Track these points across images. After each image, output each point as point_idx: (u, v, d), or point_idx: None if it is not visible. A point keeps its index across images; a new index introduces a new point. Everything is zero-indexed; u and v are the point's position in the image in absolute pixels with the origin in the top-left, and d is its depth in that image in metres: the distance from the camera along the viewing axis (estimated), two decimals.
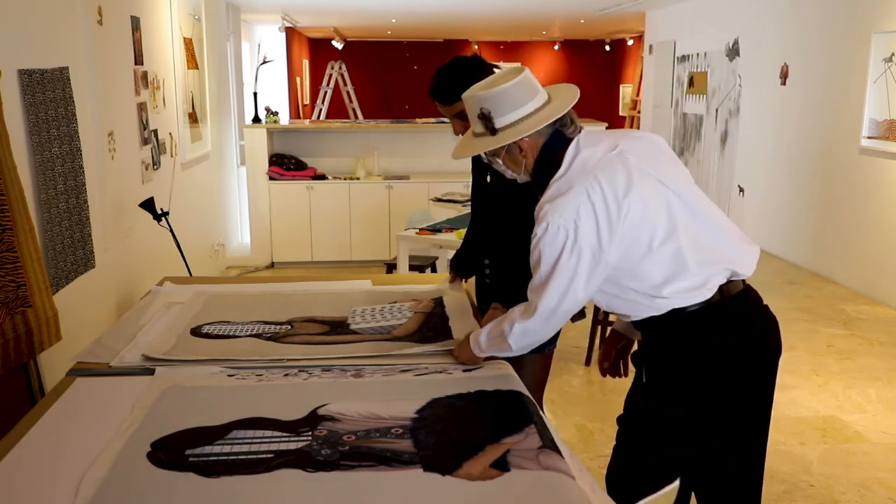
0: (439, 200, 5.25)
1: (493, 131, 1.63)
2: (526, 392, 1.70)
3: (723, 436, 1.67)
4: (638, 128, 11.00)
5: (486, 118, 1.63)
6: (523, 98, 1.62)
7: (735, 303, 1.62)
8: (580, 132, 1.66)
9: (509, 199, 2.19)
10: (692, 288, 1.59)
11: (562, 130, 1.64)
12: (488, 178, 2.28)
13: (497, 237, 2.27)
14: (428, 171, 6.33)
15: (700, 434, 1.66)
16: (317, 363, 1.90)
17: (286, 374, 1.81)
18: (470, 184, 2.46)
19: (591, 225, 1.53)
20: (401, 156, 6.50)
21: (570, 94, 1.67)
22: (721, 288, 1.60)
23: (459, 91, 1.84)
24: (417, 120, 6.77)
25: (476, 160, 2.32)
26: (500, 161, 1.70)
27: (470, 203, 2.45)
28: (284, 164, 6.11)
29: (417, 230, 4.39)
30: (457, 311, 2.25)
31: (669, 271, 1.58)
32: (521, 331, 1.67)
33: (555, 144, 1.64)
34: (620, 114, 14.15)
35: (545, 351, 2.27)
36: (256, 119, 6.21)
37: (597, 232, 1.54)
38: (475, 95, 1.64)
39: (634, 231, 1.56)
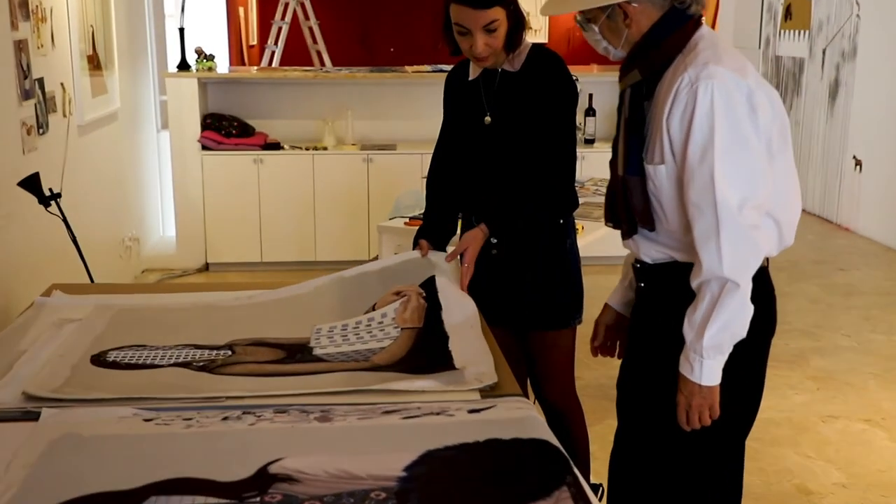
0: None
1: None
2: (555, 441, 1.71)
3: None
4: None
5: None
6: None
7: (765, 274, 2.00)
8: (701, 17, 1.96)
9: (519, 144, 2.58)
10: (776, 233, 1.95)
11: (680, 8, 1.94)
12: (487, 119, 2.62)
13: (502, 194, 2.58)
14: (421, 138, 6.33)
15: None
16: (268, 402, 1.90)
17: (225, 418, 1.81)
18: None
19: (761, 92, 1.84)
20: (384, 117, 6.49)
21: None
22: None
23: None
24: (407, 68, 6.77)
25: (463, 93, 2.68)
26: (595, 29, 1.99)
27: (438, 149, 2.83)
28: (223, 129, 6.12)
29: (407, 219, 4.39)
30: (459, 327, 2.26)
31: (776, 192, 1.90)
32: (727, 246, 1.82)
33: (676, 21, 1.93)
34: None
35: (573, 324, 2.72)
36: (184, 65, 6.22)
37: (769, 101, 1.85)
38: None
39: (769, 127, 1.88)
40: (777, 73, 8.56)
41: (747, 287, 1.85)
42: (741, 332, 1.89)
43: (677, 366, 1.96)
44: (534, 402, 2.68)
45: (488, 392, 1.95)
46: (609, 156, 2.12)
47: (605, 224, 2.13)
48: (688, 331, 1.90)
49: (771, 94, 1.89)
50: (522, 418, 1.80)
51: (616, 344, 2.31)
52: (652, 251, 2.03)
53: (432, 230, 2.74)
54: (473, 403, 1.89)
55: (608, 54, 2.04)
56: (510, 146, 2.60)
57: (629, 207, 1.99)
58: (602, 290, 2.41)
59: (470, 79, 2.68)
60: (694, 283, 1.89)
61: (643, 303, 2.13)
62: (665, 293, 2.04)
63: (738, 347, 1.93)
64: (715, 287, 1.84)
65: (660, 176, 1.93)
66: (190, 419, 1.81)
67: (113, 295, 2.71)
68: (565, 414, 2.76)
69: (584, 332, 2.77)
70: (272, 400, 1.91)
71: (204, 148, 6.08)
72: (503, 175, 2.62)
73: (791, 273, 6.03)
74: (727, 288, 1.83)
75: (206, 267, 6.24)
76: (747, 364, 2.02)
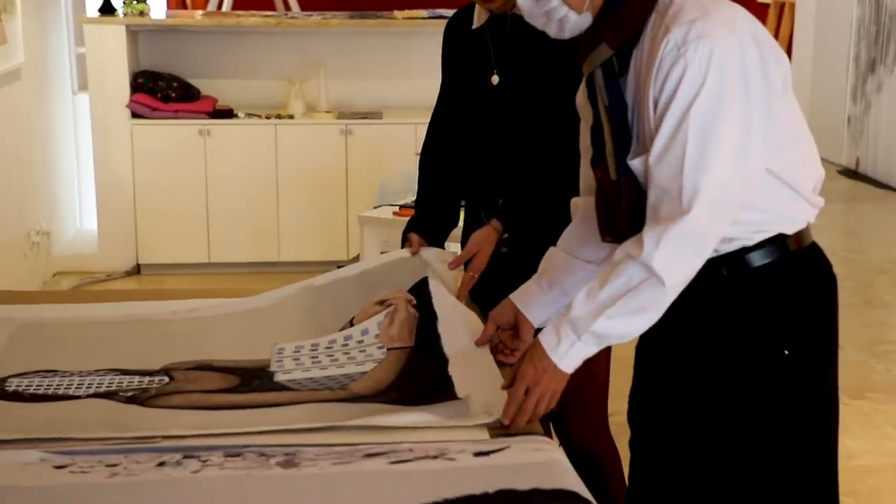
0: None
1: None
2: (585, 492, 1.71)
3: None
4: (791, 23, 11.03)
5: None
6: None
7: (809, 259, 2.10)
8: None
9: (534, 109, 2.58)
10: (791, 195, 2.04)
11: None
12: (495, 79, 2.61)
13: (516, 173, 2.60)
14: (414, 103, 6.32)
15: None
16: (216, 442, 1.90)
17: (161, 464, 1.81)
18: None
19: (754, 49, 1.94)
20: (367, 77, 6.49)
21: None
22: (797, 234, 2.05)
23: None
24: (396, 13, 6.75)
25: (466, 46, 2.72)
26: None
27: (435, 118, 2.86)
28: (159, 91, 6.12)
29: (397, 208, 4.40)
30: (461, 345, 2.27)
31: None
32: (674, 239, 1.89)
33: None
34: None
35: None
36: (107, 8, 6.21)
37: (760, 60, 1.94)
38: None
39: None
40: (877, 17, 8.53)
41: (671, 291, 1.94)
42: (633, 333, 2.00)
43: (720, 388, 2.06)
44: (558, 444, 2.69)
45: (499, 429, 1.96)
46: None
47: (603, 240, 2.15)
48: (581, 303, 1.96)
49: (773, 46, 1.98)
50: (544, 463, 1.81)
51: (508, 350, 2.33)
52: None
53: (427, 222, 2.74)
54: (481, 444, 1.89)
55: (562, 29, 2.04)
56: (523, 112, 2.60)
57: (635, 215, 2.03)
58: None
59: (474, 27, 2.67)
60: (617, 254, 1.97)
61: (673, 316, 2.14)
62: (703, 298, 2.08)
63: (799, 349, 2.06)
64: (637, 273, 1.92)
65: None
66: (115, 465, 1.80)
67: (15, 305, 2.71)
68: (596, 457, 2.76)
69: (619, 353, 2.78)
70: (222, 440, 1.91)
71: (134, 115, 6.07)
72: (514, 150, 2.62)
73: (894, 277, 6.05)
74: (649, 282, 1.91)
75: (136, 269, 6.24)
76: (817, 369, 2.11)
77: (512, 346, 2.30)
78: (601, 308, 1.94)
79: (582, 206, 2.27)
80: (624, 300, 1.92)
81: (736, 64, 1.89)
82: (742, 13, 1.97)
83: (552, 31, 2.04)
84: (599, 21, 2.00)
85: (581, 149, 2.25)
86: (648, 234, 1.92)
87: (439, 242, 2.74)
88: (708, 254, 1.96)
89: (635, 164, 1.99)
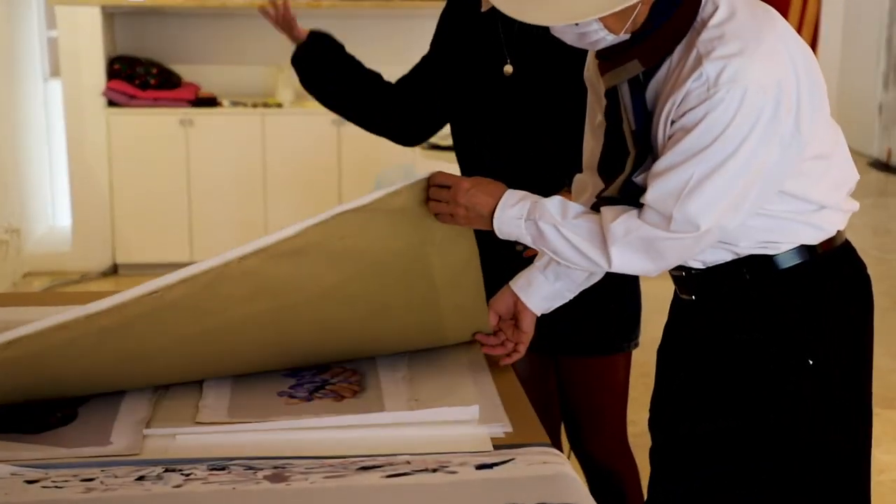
0: (435, 148, 5.24)
1: None
2: None
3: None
4: (818, 2, 11.02)
5: None
6: None
7: (840, 259, 2.13)
8: None
9: (554, 103, 2.58)
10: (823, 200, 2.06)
11: None
12: (508, 69, 2.60)
13: (536, 170, 2.58)
14: None
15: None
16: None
17: (140, 478, 1.82)
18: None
19: (793, 84, 1.94)
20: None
21: None
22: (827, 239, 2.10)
23: None
24: None
25: (472, 30, 2.70)
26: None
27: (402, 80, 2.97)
28: (138, 77, 6.11)
29: None
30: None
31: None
32: (645, 239, 1.99)
33: None
34: None
35: (626, 349, 2.74)
36: None
37: (797, 93, 1.94)
38: None
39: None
40: None
41: (604, 268, 2.05)
42: (560, 258, 2.08)
43: (735, 392, 2.11)
44: (569, 455, 2.70)
45: (504, 439, 1.96)
46: None
47: None
48: (555, 205, 2.06)
49: (801, 77, 1.97)
50: (551, 476, 1.80)
51: (512, 343, 2.34)
52: (703, 253, 2.12)
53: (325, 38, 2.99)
54: (483, 456, 1.89)
55: (594, 47, 2.06)
56: (539, 103, 2.59)
57: None
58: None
59: (483, 10, 2.61)
60: (603, 211, 2.04)
61: (694, 319, 2.20)
62: (725, 301, 2.14)
63: (831, 351, 2.10)
64: (600, 237, 2.02)
65: None
66: (91, 480, 1.80)
67: None
68: (613, 471, 2.77)
69: (638, 359, 2.78)
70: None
71: (110, 104, 6.07)
72: (519, 137, 2.61)
73: None
74: (602, 251, 2.02)
75: (113, 269, 6.23)
76: (845, 375, 2.14)
77: (514, 338, 2.31)
78: (562, 223, 2.03)
79: (591, 185, 2.27)
80: (578, 237, 2.02)
81: (767, 110, 1.90)
82: (784, 37, 1.97)
83: (581, 46, 2.05)
84: (635, 38, 2.01)
85: (588, 121, 2.28)
86: (624, 221, 2.00)
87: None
88: (666, 269, 2.10)
89: (639, 179, 2.04)
